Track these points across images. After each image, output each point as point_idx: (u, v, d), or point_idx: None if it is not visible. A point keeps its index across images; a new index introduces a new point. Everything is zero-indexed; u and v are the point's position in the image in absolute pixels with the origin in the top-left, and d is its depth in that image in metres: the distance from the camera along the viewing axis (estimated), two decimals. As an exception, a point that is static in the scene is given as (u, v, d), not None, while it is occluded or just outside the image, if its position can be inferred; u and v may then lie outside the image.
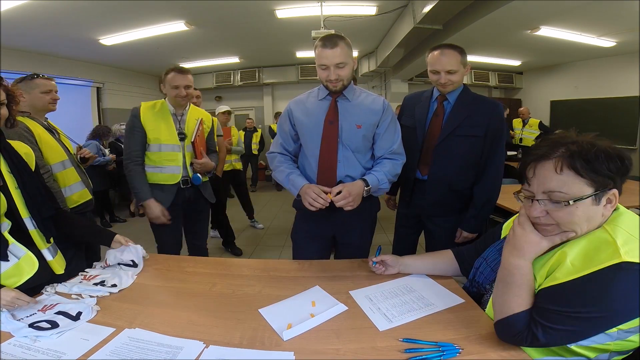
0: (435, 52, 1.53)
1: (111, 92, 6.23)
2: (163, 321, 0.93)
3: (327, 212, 1.30)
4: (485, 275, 0.97)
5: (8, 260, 1.03)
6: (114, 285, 1.13)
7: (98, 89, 6.13)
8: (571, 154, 0.73)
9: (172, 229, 1.94)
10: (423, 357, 0.76)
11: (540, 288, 0.77)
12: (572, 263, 0.73)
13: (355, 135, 1.39)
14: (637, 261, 0.66)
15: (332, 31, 3.66)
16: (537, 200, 0.77)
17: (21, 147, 1.19)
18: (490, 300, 0.89)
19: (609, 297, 0.66)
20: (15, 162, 1.12)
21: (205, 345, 0.82)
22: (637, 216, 0.76)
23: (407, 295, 1.06)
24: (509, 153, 5.42)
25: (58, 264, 1.17)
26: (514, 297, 0.77)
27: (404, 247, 1.82)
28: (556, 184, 0.74)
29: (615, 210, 0.77)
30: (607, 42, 4.79)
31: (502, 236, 1.02)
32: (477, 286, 1.01)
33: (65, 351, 0.80)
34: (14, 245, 1.06)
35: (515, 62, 6.56)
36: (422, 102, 1.67)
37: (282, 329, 0.88)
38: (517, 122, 5.86)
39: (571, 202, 0.73)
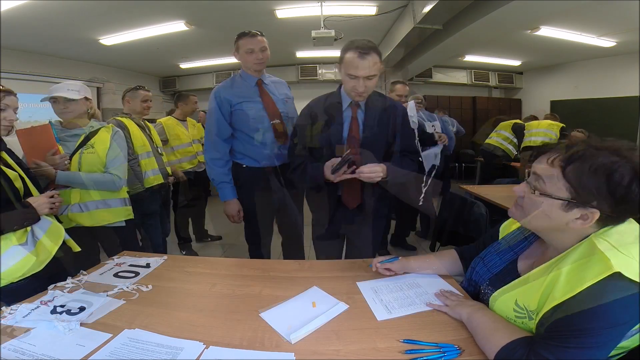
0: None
1: (111, 92, 6.22)
2: (163, 322, 0.93)
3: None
4: (481, 275, 0.98)
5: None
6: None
7: (98, 89, 6.13)
8: (574, 155, 0.72)
9: None
10: (424, 358, 0.76)
11: (542, 314, 0.73)
12: (567, 280, 0.70)
13: None
14: (630, 276, 0.64)
15: (332, 32, 3.68)
16: (527, 180, 0.83)
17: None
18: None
19: (608, 310, 0.63)
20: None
21: (205, 346, 0.82)
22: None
23: (412, 290, 1.07)
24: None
25: (74, 243, 1.40)
26: (494, 335, 0.77)
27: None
28: (543, 171, 0.77)
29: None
30: (607, 42, 4.79)
31: (499, 237, 1.04)
32: (473, 285, 1.02)
33: (64, 352, 0.80)
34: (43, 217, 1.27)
35: (515, 62, 6.55)
36: (334, 108, 1.52)
37: (286, 332, 0.87)
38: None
39: (537, 193, 0.77)
